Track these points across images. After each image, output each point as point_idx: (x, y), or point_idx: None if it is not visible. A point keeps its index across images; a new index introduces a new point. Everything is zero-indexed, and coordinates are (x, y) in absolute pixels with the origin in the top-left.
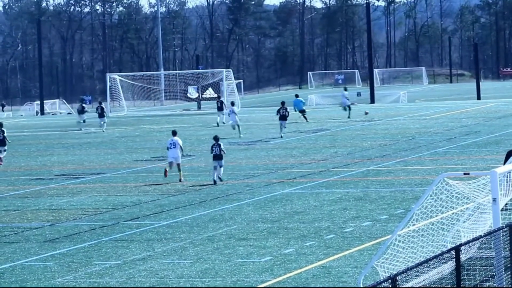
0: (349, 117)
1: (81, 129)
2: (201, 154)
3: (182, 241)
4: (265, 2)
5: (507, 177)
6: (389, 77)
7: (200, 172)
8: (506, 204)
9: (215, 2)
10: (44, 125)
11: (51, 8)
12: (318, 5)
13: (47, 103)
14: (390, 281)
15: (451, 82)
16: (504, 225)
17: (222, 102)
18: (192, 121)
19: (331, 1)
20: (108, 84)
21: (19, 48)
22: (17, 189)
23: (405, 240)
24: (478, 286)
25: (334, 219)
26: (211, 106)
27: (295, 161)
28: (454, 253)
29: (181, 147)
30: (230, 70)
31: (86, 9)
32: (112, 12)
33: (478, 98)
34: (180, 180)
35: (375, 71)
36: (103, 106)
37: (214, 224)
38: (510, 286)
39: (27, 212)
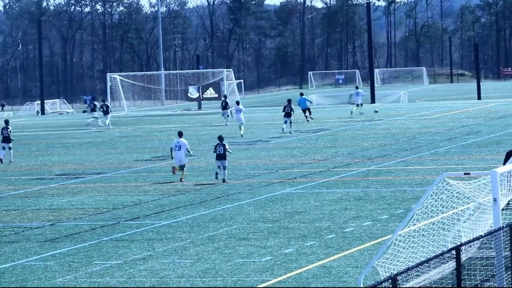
0: (362, 113)
1: (92, 128)
2: (201, 154)
3: (183, 241)
4: (265, 2)
5: (507, 177)
6: (389, 77)
7: (200, 172)
8: (508, 203)
9: (215, 2)
10: (44, 124)
11: (52, 8)
12: (319, 5)
13: (48, 103)
14: (390, 281)
15: (451, 82)
16: (504, 225)
17: (227, 102)
18: (192, 121)
19: (331, 1)
20: (109, 84)
21: (19, 48)
22: (17, 189)
23: (405, 240)
24: (479, 286)
25: (334, 219)
26: (212, 106)
27: (295, 161)
28: (454, 253)
29: (187, 149)
30: (230, 70)
31: (87, 9)
32: (113, 12)
33: (479, 98)
34: (181, 180)
35: (376, 71)
36: (108, 104)
37: (215, 224)
38: (510, 286)
39: (27, 212)
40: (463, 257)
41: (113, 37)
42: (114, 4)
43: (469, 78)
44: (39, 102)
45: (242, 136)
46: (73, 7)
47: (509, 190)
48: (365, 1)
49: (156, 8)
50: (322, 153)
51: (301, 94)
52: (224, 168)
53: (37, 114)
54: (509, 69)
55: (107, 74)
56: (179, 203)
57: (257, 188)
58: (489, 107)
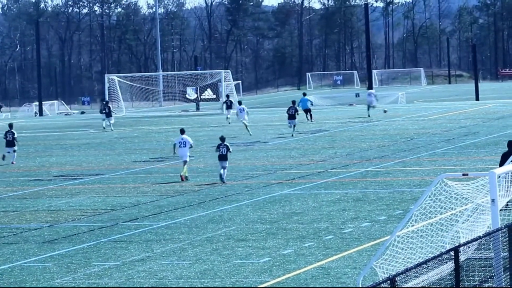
0: (369, 116)
1: (111, 129)
2: (199, 155)
3: (181, 242)
4: (263, 3)
5: (505, 178)
6: (387, 78)
7: (199, 173)
8: (507, 204)
9: (213, 3)
10: (42, 126)
11: (50, 9)
12: (317, 6)
13: (46, 104)
14: (389, 282)
15: (449, 83)
16: (503, 226)
17: (231, 102)
18: (190, 122)
19: (329, 2)
20: (107, 85)
21: (17, 49)
22: (15, 190)
23: (404, 241)
24: (477, 286)
25: (333, 220)
26: (210, 107)
27: (293, 162)
28: (453, 254)
29: (191, 145)
30: (228, 71)
31: (85, 10)
32: (111, 13)
33: (477, 99)
34: (184, 179)
35: (374, 72)
36: (110, 106)
37: (213, 225)
38: (509, 286)
39: (25, 213)
40: (462, 258)
41: (111, 38)
42: (112, 5)
43: (467, 79)
44: (37, 103)
45: (250, 135)
46: (71, 8)
47: (507, 191)
48: (363, 2)
49: (154, 9)
50: (320, 154)
51: (304, 94)
52: (225, 168)
53: (35, 116)
54: (507, 70)
55: (105, 75)
56: (177, 204)
57: (255, 189)
58: (487, 108)
